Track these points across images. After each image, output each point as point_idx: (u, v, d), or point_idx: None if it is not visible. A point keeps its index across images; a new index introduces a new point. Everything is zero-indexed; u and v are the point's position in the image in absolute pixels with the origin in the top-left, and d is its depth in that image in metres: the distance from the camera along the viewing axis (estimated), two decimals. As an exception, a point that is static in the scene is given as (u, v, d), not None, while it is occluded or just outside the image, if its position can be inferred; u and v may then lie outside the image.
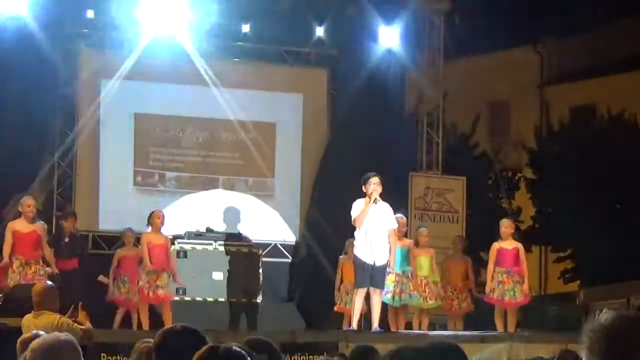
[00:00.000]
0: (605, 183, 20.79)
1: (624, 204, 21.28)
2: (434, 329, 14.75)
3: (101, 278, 13.80)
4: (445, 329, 14.99)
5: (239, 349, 3.30)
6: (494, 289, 13.02)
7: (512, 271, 13.10)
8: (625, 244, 19.97)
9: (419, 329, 13.82)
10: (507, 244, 13.19)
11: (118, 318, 13.79)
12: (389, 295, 13.16)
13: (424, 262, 13.84)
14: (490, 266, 13.12)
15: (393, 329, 13.52)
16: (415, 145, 17.59)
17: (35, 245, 12.05)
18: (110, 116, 16.74)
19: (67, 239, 13.33)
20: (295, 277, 16.81)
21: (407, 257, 13.50)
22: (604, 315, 2.60)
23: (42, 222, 12.42)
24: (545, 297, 22.98)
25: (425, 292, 13.71)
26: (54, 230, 15.05)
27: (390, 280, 13.09)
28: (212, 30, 16.89)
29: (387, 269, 12.26)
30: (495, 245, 13.15)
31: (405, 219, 13.90)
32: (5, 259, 11.93)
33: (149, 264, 12.97)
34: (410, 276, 13.48)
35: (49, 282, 9.00)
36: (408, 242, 13.72)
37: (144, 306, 13.06)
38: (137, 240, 13.98)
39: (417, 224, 15.46)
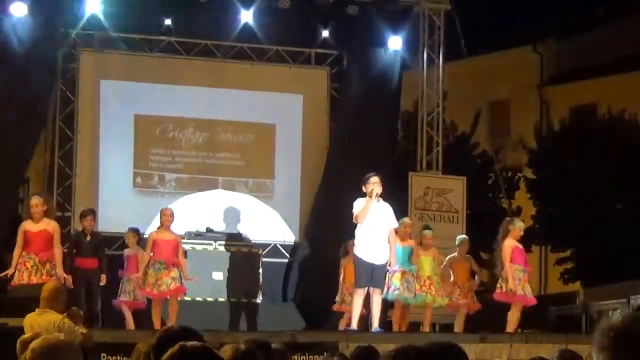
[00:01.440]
0: (605, 183, 20.80)
1: (624, 203, 21.28)
2: (434, 329, 14.75)
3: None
4: (445, 329, 14.99)
5: (207, 347, 3.30)
6: (515, 286, 13.07)
7: (526, 270, 13.21)
8: (625, 244, 19.98)
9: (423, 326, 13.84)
10: (519, 244, 13.27)
11: (127, 318, 13.75)
12: (397, 292, 13.19)
13: (425, 261, 13.85)
14: (507, 264, 13.05)
15: (396, 327, 13.52)
16: (415, 145, 17.58)
17: (47, 244, 12.07)
18: (110, 117, 16.73)
19: (88, 238, 13.35)
20: (295, 277, 16.80)
21: (411, 257, 13.54)
22: (615, 315, 2.62)
23: (55, 222, 12.41)
24: (545, 297, 22.97)
25: (431, 290, 13.72)
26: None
27: (397, 278, 13.13)
28: (212, 30, 16.89)
29: (387, 267, 12.29)
30: (512, 244, 13.11)
31: (410, 221, 13.94)
32: (16, 260, 11.96)
33: (145, 261, 12.95)
34: (414, 275, 13.51)
35: (61, 282, 9.03)
36: (411, 242, 13.73)
37: (156, 303, 12.95)
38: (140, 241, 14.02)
39: (422, 225, 15.38)
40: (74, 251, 13.29)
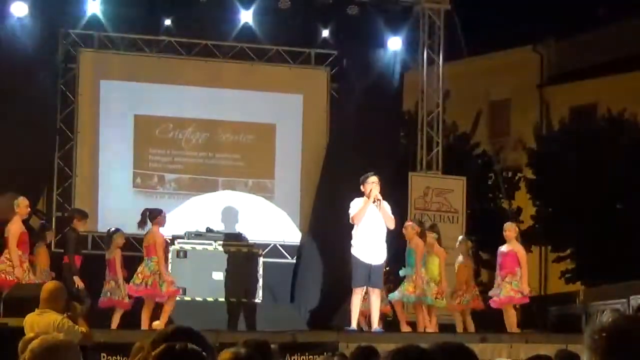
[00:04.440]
0: (605, 183, 20.80)
1: (624, 203, 21.29)
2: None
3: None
4: (445, 330, 14.97)
5: (195, 348, 3.29)
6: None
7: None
8: (625, 244, 19.99)
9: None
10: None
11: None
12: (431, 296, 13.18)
13: (432, 262, 13.86)
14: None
15: (421, 327, 13.33)
16: (415, 145, 17.58)
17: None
18: (109, 117, 16.72)
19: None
20: (299, 278, 16.77)
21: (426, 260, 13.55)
22: (606, 316, 2.61)
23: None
24: (545, 297, 22.99)
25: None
26: (53, 230, 15.07)
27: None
28: (212, 30, 16.89)
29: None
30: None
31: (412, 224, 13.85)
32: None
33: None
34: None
35: (59, 282, 9.06)
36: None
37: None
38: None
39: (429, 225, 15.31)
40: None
